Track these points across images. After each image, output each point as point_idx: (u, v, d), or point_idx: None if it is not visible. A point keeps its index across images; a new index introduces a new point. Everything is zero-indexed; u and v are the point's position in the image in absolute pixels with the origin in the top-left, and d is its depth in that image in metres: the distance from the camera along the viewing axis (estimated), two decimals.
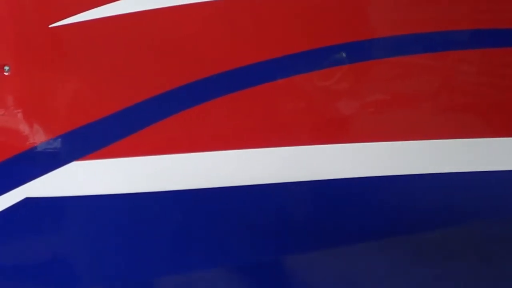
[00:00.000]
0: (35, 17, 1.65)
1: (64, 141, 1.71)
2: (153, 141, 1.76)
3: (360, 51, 1.85)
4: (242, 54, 1.78)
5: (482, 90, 2.02)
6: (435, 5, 1.93)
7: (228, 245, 1.91)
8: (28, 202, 1.70)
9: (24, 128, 1.68)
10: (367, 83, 1.91)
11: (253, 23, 1.81)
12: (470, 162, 2.00)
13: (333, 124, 1.91)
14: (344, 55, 1.84)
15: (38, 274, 1.81)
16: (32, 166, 1.70)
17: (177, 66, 1.73)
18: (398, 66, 1.91)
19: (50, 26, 1.63)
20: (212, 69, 1.75)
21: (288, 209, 1.96)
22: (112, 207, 1.77)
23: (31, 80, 1.68)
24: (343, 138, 1.90)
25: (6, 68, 1.64)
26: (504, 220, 2.16)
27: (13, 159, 1.69)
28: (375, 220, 1.99)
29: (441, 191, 2.02)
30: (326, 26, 1.82)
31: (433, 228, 2.08)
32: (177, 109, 1.75)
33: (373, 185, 1.94)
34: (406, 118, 1.95)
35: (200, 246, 1.90)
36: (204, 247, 1.90)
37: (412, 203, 2.05)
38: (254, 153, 1.83)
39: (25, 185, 1.69)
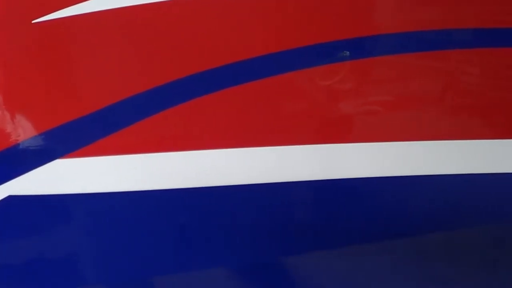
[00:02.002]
0: (18, 12, 1.63)
1: (47, 139, 1.68)
2: (138, 139, 1.73)
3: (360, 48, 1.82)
4: (241, 49, 1.74)
5: (487, 91, 1.98)
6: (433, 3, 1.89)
7: (224, 245, 1.89)
8: (11, 200, 1.68)
9: (6, 125, 1.66)
10: (367, 82, 1.87)
11: (247, 18, 1.77)
12: (475, 164, 1.96)
13: (334, 123, 1.87)
14: (346, 52, 1.80)
15: (21, 274, 1.79)
16: (15, 163, 1.68)
17: (165, 62, 1.71)
18: (399, 64, 1.87)
19: (33, 21, 1.62)
20: (206, 63, 1.71)
21: (289, 209, 1.93)
22: (96, 206, 1.75)
23: (14, 77, 1.66)
24: (345, 138, 1.86)
25: None
26: (506, 224, 2.13)
27: None
28: (377, 221, 1.96)
29: (445, 193, 1.98)
30: (326, 22, 1.78)
31: (438, 230, 2.05)
32: (166, 105, 1.72)
33: (375, 186, 1.91)
34: (408, 118, 1.91)
35: (192, 247, 1.88)
36: (197, 247, 1.87)
37: (415, 204, 2.01)
38: (251, 152, 1.80)
39: (8, 183, 1.68)
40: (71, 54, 1.68)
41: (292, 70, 1.77)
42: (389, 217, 1.97)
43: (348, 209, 1.94)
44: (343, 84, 1.82)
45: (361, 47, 1.81)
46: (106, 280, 1.86)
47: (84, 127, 1.68)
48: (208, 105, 1.74)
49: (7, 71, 1.66)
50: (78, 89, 1.70)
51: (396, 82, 1.89)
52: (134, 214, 1.78)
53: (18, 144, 1.67)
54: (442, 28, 1.86)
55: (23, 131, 1.67)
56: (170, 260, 1.88)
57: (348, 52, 1.79)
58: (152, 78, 1.71)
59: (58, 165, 1.69)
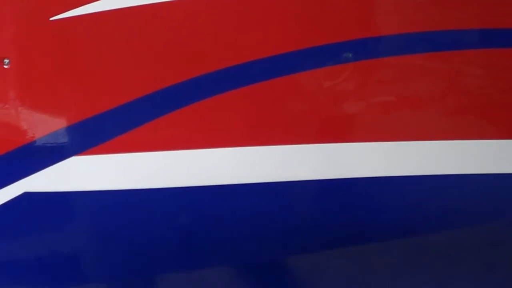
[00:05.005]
0: (35, 9, 1.63)
1: (63, 136, 1.69)
2: (153, 137, 1.75)
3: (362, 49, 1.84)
4: (245, 51, 1.76)
5: (486, 92, 2.02)
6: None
7: (226, 244, 1.91)
8: (26, 197, 1.69)
9: (23, 122, 1.66)
10: (369, 83, 1.90)
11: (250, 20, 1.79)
12: (476, 164, 1.99)
13: (336, 123, 1.90)
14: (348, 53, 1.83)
15: (36, 270, 1.80)
16: (31, 160, 1.69)
17: (179, 62, 1.72)
18: (401, 65, 1.89)
19: (51, 19, 1.62)
20: (212, 65, 1.73)
21: (291, 209, 1.95)
22: (110, 203, 1.76)
23: (31, 74, 1.66)
24: (346, 138, 1.89)
25: (6, 61, 1.62)
26: (503, 223, 2.17)
27: (12, 153, 1.67)
28: (377, 221, 1.99)
29: (442, 193, 2.01)
30: (329, 24, 1.81)
31: (437, 230, 2.08)
32: (180, 104, 1.74)
33: (375, 186, 1.93)
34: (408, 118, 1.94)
35: (201, 245, 1.90)
36: (204, 246, 1.90)
37: (413, 204, 2.04)
38: (255, 151, 1.82)
39: (24, 180, 1.68)
40: (88, 52, 1.68)
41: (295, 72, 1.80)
42: (395, 217, 2.00)
43: (353, 209, 1.97)
44: (345, 85, 1.84)
45: (362, 49, 1.84)
46: (122, 277, 1.88)
47: (100, 125, 1.69)
48: (213, 106, 1.76)
49: (24, 68, 1.66)
50: (95, 87, 1.70)
51: (397, 83, 1.91)
52: (151, 212, 1.80)
53: (35, 141, 1.67)
54: (443, 29, 1.89)
55: (39, 128, 1.67)
56: (191, 259, 1.91)
57: (350, 54, 1.83)
58: (167, 78, 1.72)
59: (74, 162, 1.70)
